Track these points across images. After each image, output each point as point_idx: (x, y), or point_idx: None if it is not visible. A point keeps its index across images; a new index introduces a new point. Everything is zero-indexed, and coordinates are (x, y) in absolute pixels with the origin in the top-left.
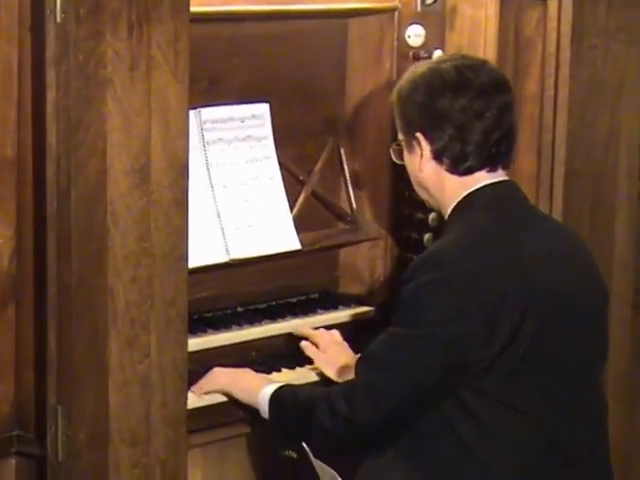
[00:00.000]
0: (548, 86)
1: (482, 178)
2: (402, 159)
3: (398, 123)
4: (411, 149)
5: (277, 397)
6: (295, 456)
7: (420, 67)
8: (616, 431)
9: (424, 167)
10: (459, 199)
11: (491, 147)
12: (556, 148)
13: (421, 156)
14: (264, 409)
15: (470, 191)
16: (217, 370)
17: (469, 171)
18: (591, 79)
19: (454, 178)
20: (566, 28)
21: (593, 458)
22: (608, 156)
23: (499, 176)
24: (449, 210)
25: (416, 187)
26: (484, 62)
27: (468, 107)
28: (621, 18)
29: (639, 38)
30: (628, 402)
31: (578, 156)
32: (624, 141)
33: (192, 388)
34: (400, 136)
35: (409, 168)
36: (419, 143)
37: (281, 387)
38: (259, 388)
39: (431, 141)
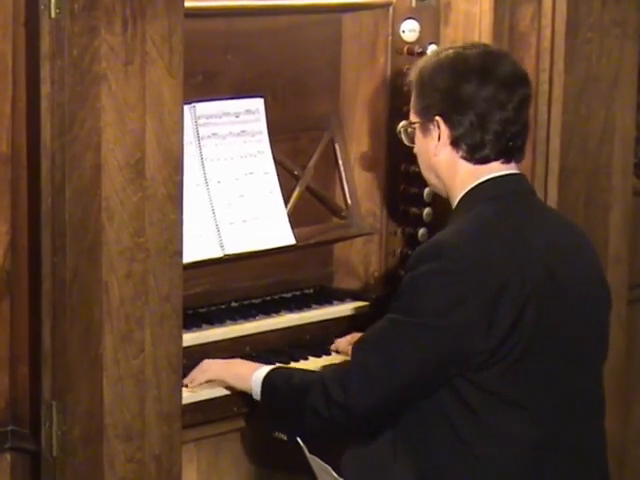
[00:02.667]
0: (542, 81)
1: (495, 169)
2: (412, 142)
3: (415, 104)
4: (427, 132)
5: (270, 379)
6: (285, 438)
7: (445, 50)
8: (611, 426)
9: (439, 152)
10: (468, 189)
11: (508, 140)
12: (551, 143)
13: (438, 140)
14: (256, 392)
15: (480, 181)
16: (207, 361)
17: (485, 160)
18: (586, 74)
19: (468, 166)
20: (560, 23)
21: (590, 452)
22: (602, 151)
23: (511, 169)
24: (457, 199)
25: (425, 170)
26: (506, 53)
27: (492, 97)
28: (616, 12)
29: (634, 32)
30: (623, 397)
31: (573, 151)
32: (618, 136)
33: (184, 380)
34: (413, 118)
35: (421, 151)
36: (437, 127)
37: (274, 369)
38: (251, 372)
39: (450, 126)
